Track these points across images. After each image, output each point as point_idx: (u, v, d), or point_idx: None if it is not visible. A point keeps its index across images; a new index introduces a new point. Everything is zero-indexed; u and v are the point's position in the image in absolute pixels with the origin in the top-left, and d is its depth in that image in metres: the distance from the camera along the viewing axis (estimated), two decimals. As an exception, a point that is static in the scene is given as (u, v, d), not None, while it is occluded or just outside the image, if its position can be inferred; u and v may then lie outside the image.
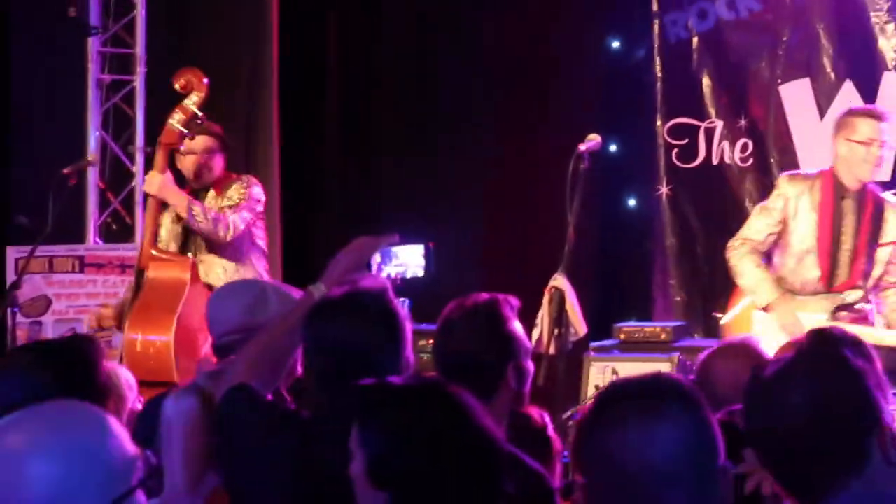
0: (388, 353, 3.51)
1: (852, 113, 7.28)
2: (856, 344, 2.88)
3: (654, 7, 9.69)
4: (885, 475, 2.70)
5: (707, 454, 2.51)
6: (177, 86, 7.24)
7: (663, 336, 8.01)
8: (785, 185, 7.32)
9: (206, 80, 7.20)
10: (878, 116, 7.16)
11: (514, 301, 3.95)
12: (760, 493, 2.85)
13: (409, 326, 3.63)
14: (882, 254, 7.12)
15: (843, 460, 2.69)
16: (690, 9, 9.66)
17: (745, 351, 4.19)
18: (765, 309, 7.17)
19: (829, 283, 7.14)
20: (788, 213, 7.22)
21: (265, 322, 3.84)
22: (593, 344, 7.95)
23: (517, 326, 3.97)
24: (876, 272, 7.13)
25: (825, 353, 2.82)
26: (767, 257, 7.37)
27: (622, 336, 8.13)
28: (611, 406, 2.54)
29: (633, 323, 8.49)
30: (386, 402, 2.74)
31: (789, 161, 9.14)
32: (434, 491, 2.66)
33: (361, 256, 3.86)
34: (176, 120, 7.18)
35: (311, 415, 3.45)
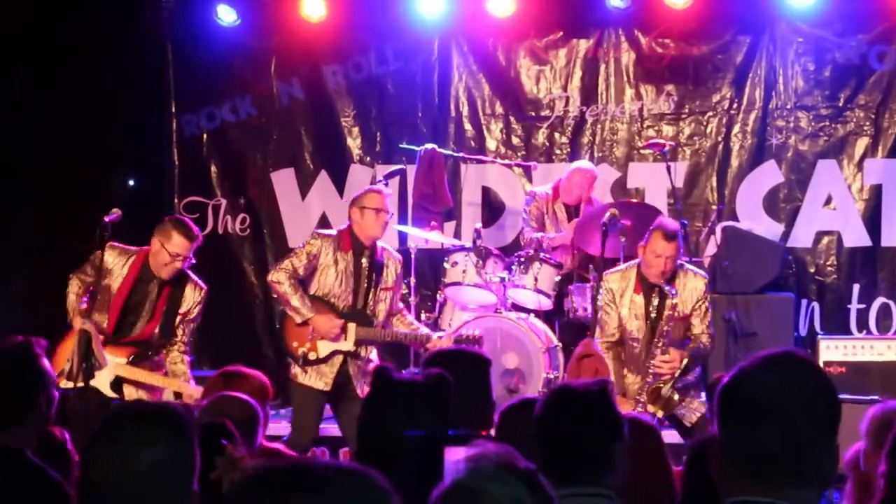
0: None
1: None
2: None
3: (173, 109, 11.14)
4: None
5: (183, 475, 2.77)
6: None
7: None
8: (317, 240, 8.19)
9: None
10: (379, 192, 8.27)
11: (43, 342, 4.20)
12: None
13: None
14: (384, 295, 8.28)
15: None
16: (201, 112, 11.19)
17: None
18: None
19: None
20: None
21: None
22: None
23: (46, 363, 4.20)
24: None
25: None
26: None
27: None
28: (110, 426, 2.80)
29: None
30: None
31: (279, 233, 10.84)
32: None
33: None
34: None
35: None
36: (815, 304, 10.67)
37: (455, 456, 2.28)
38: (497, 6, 10.81)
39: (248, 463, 3.21)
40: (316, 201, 11.23)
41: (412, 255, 9.95)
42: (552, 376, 8.87)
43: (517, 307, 9.59)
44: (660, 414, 7.71)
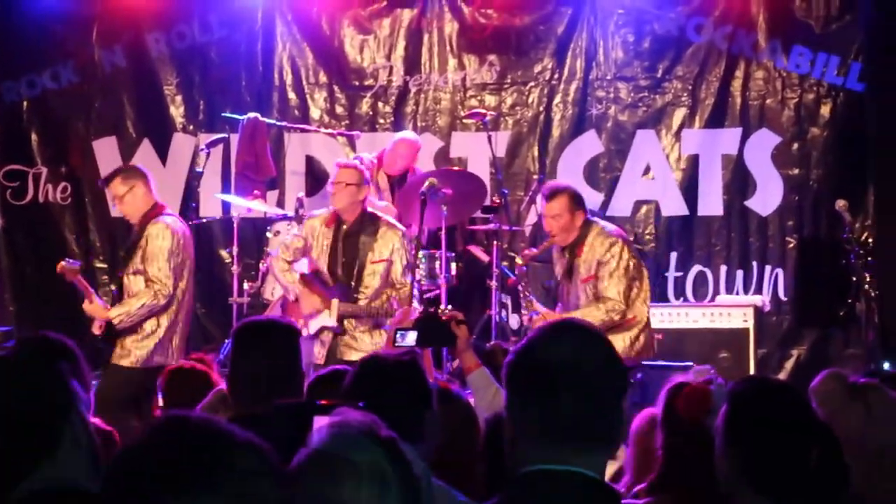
0: None
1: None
2: None
3: (-7, 75, 10.87)
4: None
5: None
6: None
7: (-3, 339, 9.23)
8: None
9: None
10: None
11: None
12: None
13: None
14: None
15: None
16: (21, 79, 10.94)
17: None
18: None
19: None
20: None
21: None
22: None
23: None
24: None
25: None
26: None
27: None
28: None
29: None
30: None
31: (100, 201, 10.67)
32: None
33: None
34: None
35: None
36: (634, 272, 10.71)
37: (320, 424, 2.30)
38: (321, -25, 10.61)
39: None
40: (138, 170, 11.03)
41: (234, 224, 9.83)
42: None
43: (339, 276, 9.45)
44: None
